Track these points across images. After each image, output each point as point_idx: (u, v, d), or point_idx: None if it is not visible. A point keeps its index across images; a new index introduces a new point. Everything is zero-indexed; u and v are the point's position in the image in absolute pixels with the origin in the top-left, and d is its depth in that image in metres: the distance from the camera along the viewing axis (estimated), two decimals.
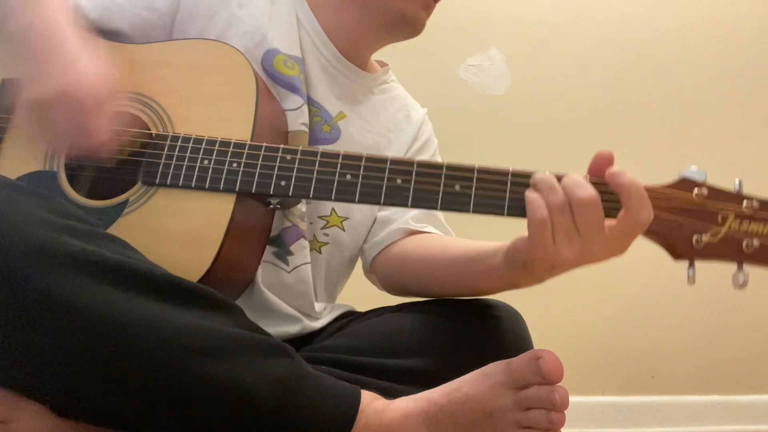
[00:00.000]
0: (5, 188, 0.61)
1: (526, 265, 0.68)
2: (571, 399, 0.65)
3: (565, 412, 0.65)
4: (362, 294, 1.06)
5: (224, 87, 0.80)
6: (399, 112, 1.00)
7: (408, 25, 0.91)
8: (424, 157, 0.99)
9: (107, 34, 0.84)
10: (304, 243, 0.87)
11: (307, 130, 0.86)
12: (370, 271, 0.97)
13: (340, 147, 0.89)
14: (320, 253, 0.91)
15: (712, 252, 0.65)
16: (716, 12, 1.73)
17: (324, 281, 0.94)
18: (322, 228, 0.90)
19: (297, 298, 0.87)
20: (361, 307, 0.96)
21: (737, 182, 0.66)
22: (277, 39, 0.87)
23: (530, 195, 0.64)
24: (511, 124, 1.62)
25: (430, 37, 1.59)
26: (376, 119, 0.97)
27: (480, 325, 0.81)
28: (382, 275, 0.94)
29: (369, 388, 0.69)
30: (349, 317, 0.93)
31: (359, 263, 1.04)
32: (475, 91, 1.64)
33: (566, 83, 1.67)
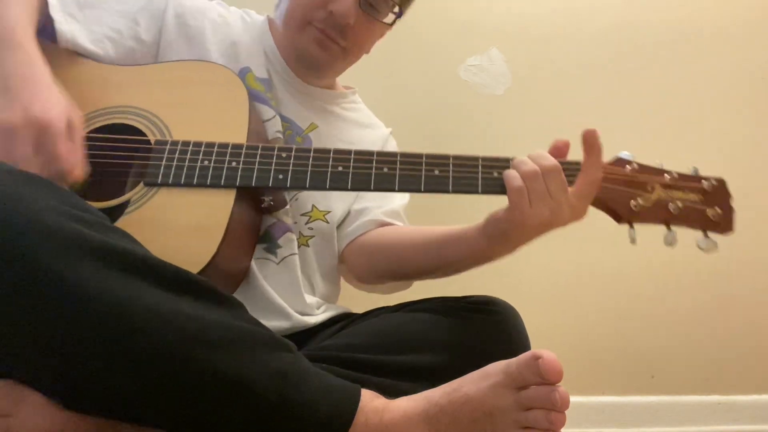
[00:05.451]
0: (19, 176, 0.62)
1: (505, 233, 0.79)
2: (571, 399, 0.65)
3: (565, 412, 0.65)
4: (361, 295, 1.06)
5: (217, 97, 0.85)
6: (365, 128, 1.10)
7: (307, 61, 0.98)
8: None
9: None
10: (291, 236, 0.93)
11: (282, 137, 0.94)
12: (340, 261, 1.02)
13: None
14: (308, 246, 0.97)
15: (646, 215, 0.79)
16: (717, 12, 1.73)
17: (320, 271, 0.98)
18: (306, 223, 0.97)
19: (286, 288, 0.91)
20: (360, 309, 0.97)
21: (660, 163, 0.82)
22: (248, 60, 0.97)
23: (507, 171, 0.78)
24: (511, 124, 1.62)
25: (430, 37, 1.60)
26: (346, 130, 1.05)
27: (478, 322, 0.82)
28: (354, 264, 1.00)
29: (369, 386, 0.70)
30: (348, 318, 0.94)
31: None
32: (475, 91, 1.64)
33: (566, 83, 1.66)
